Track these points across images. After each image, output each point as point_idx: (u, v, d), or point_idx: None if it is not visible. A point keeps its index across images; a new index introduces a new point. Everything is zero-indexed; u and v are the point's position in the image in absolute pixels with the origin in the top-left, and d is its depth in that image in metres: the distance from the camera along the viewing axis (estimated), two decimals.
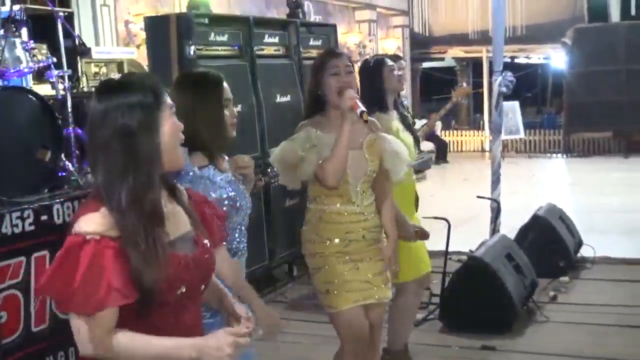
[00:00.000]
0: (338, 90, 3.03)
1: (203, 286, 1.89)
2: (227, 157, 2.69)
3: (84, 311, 1.66)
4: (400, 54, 13.32)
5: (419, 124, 5.49)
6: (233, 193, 2.54)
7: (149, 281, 1.67)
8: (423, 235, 3.73)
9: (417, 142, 4.02)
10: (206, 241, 1.88)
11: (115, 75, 6.42)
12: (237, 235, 2.64)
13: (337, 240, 3.11)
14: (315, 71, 3.12)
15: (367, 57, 5.18)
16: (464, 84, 8.13)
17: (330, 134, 3.05)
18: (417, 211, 4.26)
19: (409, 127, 3.95)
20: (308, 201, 3.24)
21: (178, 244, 1.79)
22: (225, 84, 2.60)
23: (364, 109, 2.97)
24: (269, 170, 3.45)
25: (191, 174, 2.44)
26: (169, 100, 1.79)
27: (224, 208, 2.48)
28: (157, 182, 1.74)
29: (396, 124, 3.77)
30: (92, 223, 1.68)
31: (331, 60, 3.07)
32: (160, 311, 1.75)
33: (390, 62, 3.97)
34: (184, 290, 1.77)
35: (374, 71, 3.82)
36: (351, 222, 3.12)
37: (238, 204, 2.58)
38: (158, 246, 1.70)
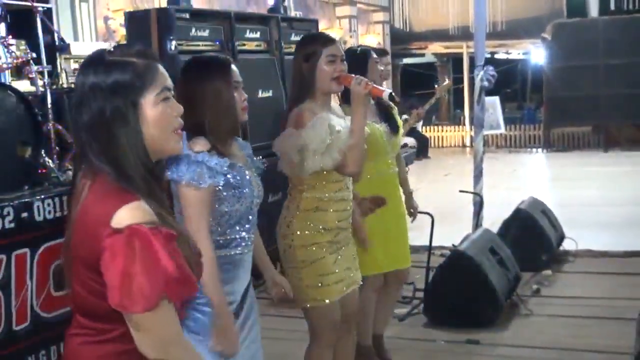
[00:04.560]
0: (336, 77, 3.03)
1: None
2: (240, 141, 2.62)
3: (182, 297, 1.56)
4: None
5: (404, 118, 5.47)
6: (233, 179, 2.41)
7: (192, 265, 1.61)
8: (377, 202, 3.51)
9: (395, 133, 3.97)
10: None
11: None
12: (238, 227, 2.49)
13: (329, 229, 3.07)
14: (309, 57, 3.05)
15: (352, 46, 5.12)
16: (446, 79, 8.15)
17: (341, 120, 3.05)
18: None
19: (386, 117, 3.93)
20: (296, 191, 3.10)
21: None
22: (234, 67, 2.50)
23: (389, 90, 2.97)
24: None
25: (186, 159, 2.31)
26: (160, 83, 1.61)
27: (224, 194, 2.39)
28: (137, 174, 1.58)
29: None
30: (138, 212, 1.52)
31: (327, 48, 3.04)
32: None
33: (375, 55, 3.94)
34: None
35: (360, 61, 3.73)
36: (344, 210, 3.12)
37: (239, 192, 2.43)
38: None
